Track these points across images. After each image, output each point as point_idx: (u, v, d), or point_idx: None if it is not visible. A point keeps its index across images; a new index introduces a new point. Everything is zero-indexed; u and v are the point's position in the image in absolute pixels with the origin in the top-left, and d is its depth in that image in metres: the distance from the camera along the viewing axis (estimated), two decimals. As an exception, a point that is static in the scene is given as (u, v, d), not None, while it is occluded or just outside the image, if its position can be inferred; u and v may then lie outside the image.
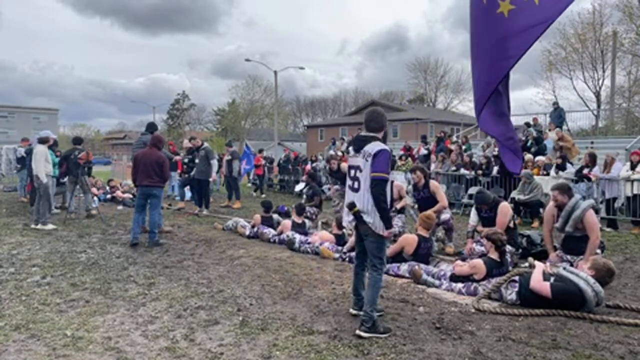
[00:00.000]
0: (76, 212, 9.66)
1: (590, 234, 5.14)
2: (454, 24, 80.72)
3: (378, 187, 3.55)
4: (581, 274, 4.28)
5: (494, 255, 4.91)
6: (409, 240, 5.55)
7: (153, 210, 7.04)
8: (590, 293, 4.08)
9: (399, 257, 5.56)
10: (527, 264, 5.12)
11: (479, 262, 4.86)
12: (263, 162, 16.84)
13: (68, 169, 9.77)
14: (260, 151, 17.72)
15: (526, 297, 4.29)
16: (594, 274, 4.34)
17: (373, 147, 3.63)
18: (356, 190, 3.72)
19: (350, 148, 3.77)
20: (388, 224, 3.61)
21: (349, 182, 3.82)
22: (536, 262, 4.68)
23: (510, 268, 4.98)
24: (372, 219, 3.61)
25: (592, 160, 9.62)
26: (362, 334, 3.53)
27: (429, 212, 6.07)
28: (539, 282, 4.25)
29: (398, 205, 7.36)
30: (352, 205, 3.71)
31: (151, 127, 8.82)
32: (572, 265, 5.08)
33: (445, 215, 6.68)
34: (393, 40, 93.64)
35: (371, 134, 3.74)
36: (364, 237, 3.79)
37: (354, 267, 4.06)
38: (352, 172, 3.79)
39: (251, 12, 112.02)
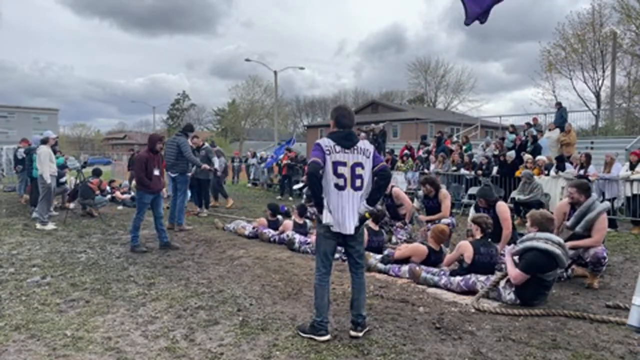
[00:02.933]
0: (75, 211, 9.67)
1: (595, 235, 5.09)
2: (450, 25, 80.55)
3: (387, 171, 3.58)
4: (529, 235, 4.47)
5: (478, 236, 5.17)
6: (419, 252, 5.47)
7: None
8: (550, 247, 4.20)
9: (403, 261, 5.51)
10: None
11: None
12: (290, 161, 15.12)
13: (79, 192, 10.10)
14: (290, 150, 16.08)
15: (520, 290, 4.33)
16: (537, 229, 4.51)
17: (365, 144, 3.59)
18: (359, 188, 3.51)
19: (334, 144, 3.48)
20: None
21: (335, 180, 3.47)
22: (505, 254, 4.66)
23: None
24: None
25: (587, 160, 9.75)
26: (359, 334, 3.53)
27: (443, 226, 5.82)
28: (512, 273, 4.36)
29: (407, 218, 7.35)
30: (364, 215, 3.53)
31: (186, 129, 8.76)
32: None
33: (445, 221, 6.66)
34: (390, 41, 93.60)
35: (352, 131, 3.65)
36: (356, 237, 3.60)
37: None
38: (343, 169, 3.47)
39: (250, 12, 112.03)
